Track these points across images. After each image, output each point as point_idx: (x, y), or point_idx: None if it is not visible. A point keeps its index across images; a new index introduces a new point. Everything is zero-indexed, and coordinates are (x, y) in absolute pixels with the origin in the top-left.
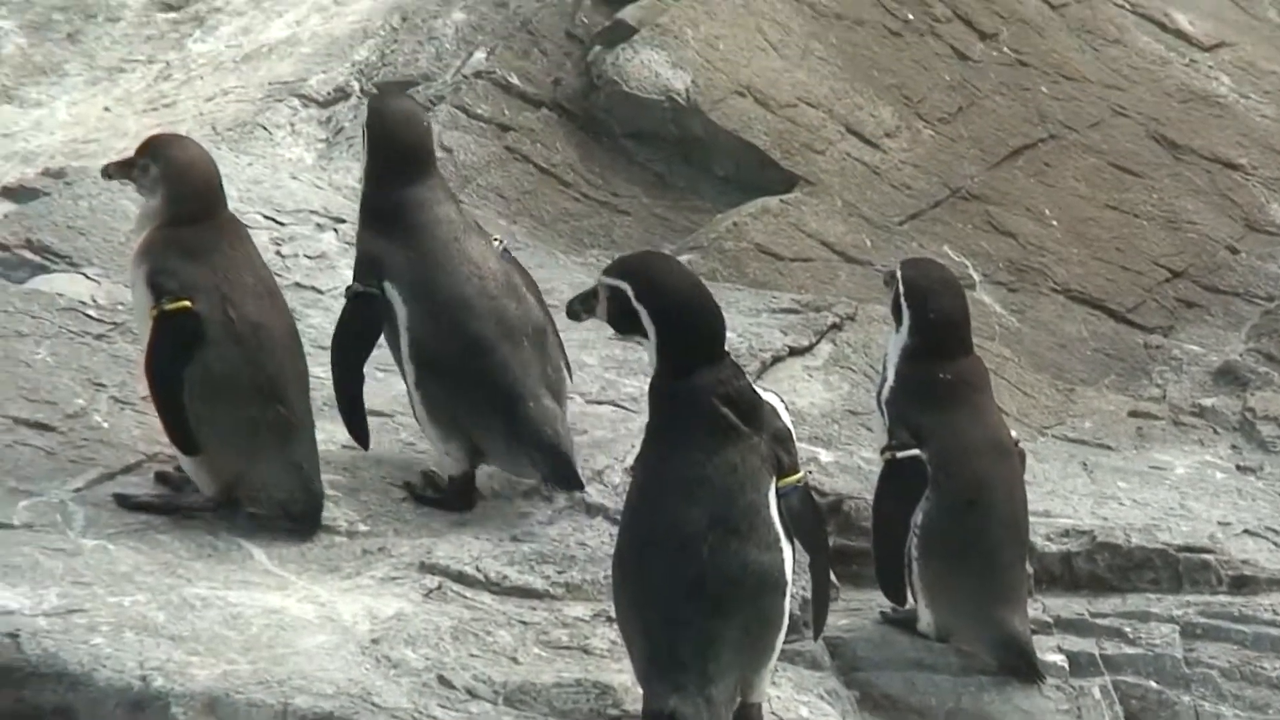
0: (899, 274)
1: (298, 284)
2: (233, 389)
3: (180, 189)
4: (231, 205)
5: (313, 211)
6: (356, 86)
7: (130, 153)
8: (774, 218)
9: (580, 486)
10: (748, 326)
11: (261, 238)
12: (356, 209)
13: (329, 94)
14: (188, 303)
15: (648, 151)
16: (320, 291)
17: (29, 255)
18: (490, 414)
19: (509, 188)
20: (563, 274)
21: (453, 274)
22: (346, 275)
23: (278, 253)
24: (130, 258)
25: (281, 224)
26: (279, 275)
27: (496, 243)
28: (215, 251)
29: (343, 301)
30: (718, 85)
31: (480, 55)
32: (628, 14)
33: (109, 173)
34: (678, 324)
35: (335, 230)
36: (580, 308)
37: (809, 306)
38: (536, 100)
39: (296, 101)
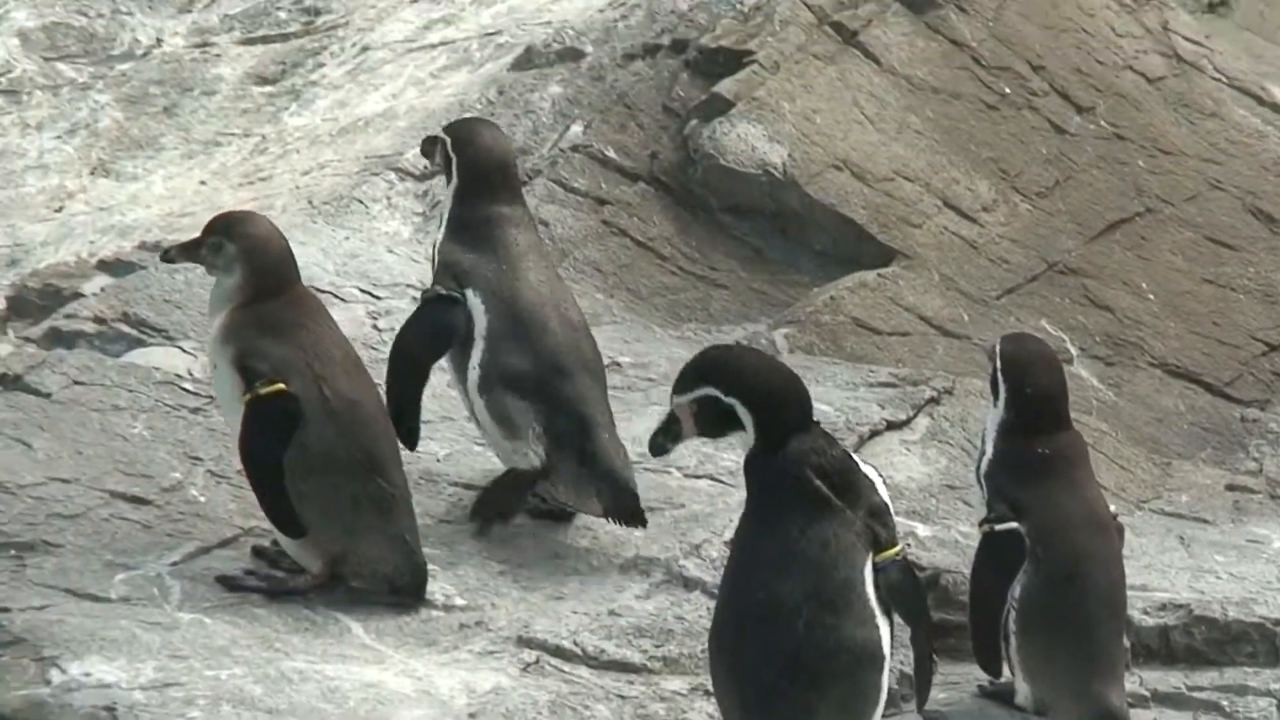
0: (997, 349)
1: None
2: (333, 466)
3: (260, 264)
4: (328, 279)
5: (409, 285)
6: None
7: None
8: (871, 292)
9: (644, 523)
10: (845, 400)
11: (358, 311)
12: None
13: (425, 168)
14: (282, 385)
15: (745, 225)
16: None
17: (125, 329)
18: (564, 438)
19: (606, 261)
20: (659, 348)
21: (539, 295)
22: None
23: (374, 326)
24: (210, 340)
25: (378, 297)
26: (375, 349)
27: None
28: (300, 328)
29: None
30: (814, 159)
31: (577, 129)
32: (724, 87)
33: (170, 257)
34: (772, 401)
35: None
36: (666, 439)
37: (906, 380)
38: (633, 174)
39: (393, 175)
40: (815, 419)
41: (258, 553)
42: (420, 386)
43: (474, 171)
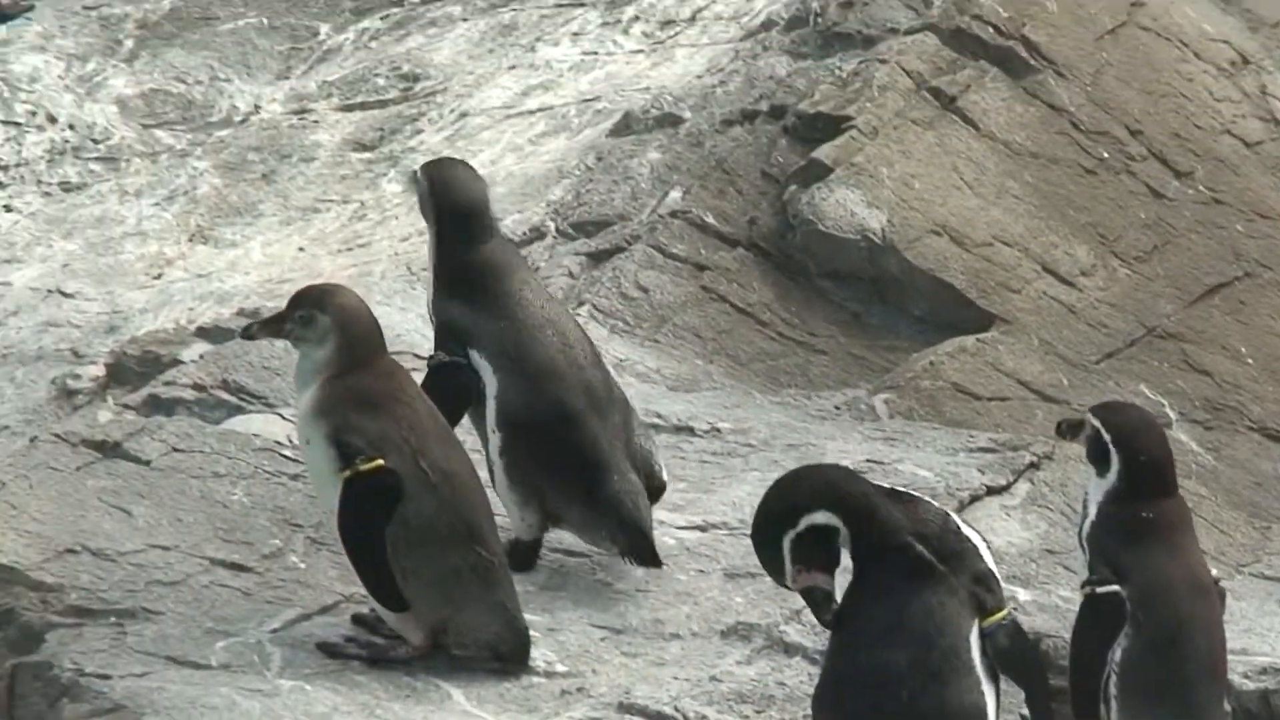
0: (1097, 419)
1: None
2: (434, 539)
3: (354, 335)
4: (427, 346)
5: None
6: (552, 226)
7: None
8: (970, 357)
9: (657, 563)
10: (945, 466)
11: None
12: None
13: (524, 234)
14: (381, 461)
15: (844, 290)
16: None
17: (225, 396)
18: (574, 484)
19: (705, 327)
20: (759, 413)
21: (543, 343)
22: None
23: None
24: (300, 415)
25: None
26: None
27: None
28: (394, 401)
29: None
30: (913, 224)
31: (676, 194)
32: (823, 153)
33: (252, 333)
34: (874, 516)
35: None
36: (821, 610)
37: (1006, 445)
38: (732, 239)
39: None
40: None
41: (358, 620)
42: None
43: (450, 216)
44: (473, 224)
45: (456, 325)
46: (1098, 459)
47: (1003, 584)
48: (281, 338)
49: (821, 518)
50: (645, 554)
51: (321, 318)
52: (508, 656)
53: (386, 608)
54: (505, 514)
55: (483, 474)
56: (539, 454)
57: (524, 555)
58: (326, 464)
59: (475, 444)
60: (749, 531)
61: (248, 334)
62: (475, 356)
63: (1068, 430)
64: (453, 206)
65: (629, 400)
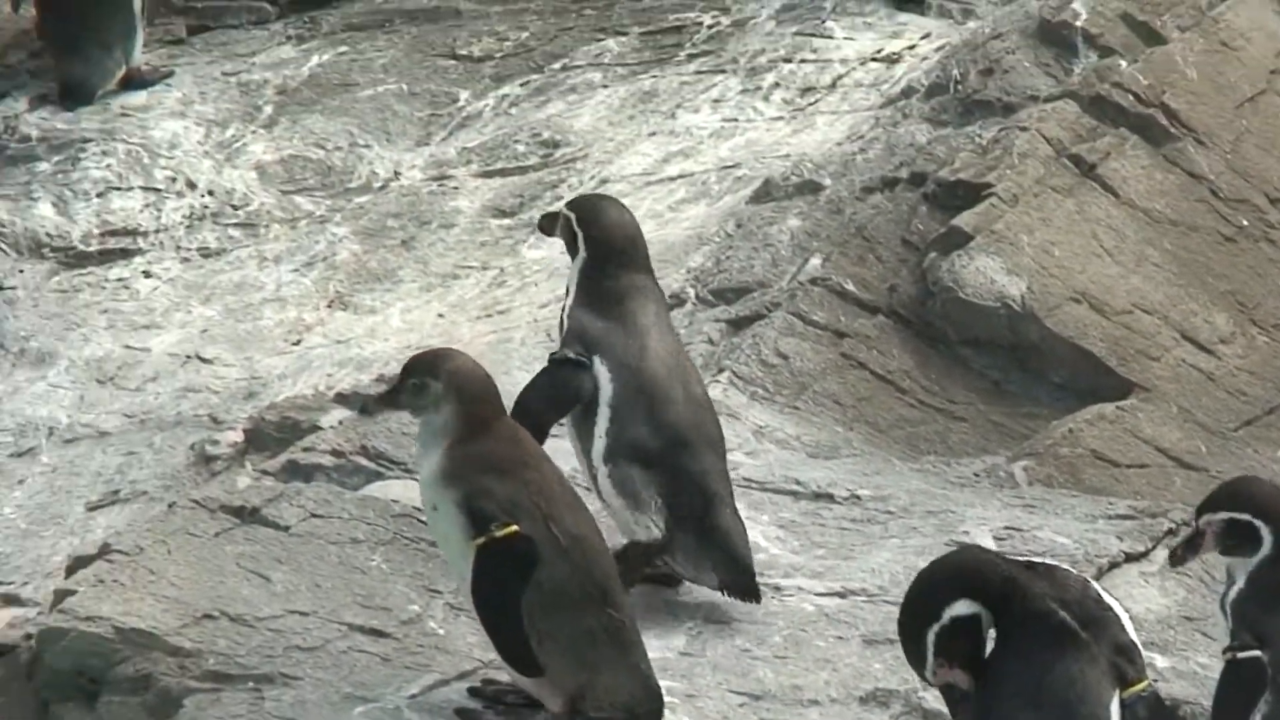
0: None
1: None
2: (567, 603)
3: (470, 397)
4: None
5: None
6: (692, 293)
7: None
8: (1109, 424)
9: (758, 599)
10: (1083, 533)
11: None
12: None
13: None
14: (515, 527)
15: (983, 358)
16: None
17: (363, 461)
18: (685, 512)
19: (845, 394)
20: (898, 480)
21: (665, 367)
22: None
23: None
24: (426, 482)
25: None
26: None
27: None
28: (522, 465)
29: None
30: (1053, 291)
31: (816, 262)
32: (963, 220)
33: (368, 410)
34: (1016, 592)
35: None
36: (1186, 552)
37: (1144, 513)
38: (872, 306)
39: None
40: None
41: (475, 693)
42: (540, 444)
43: (603, 244)
44: (623, 249)
45: (587, 331)
46: (1241, 530)
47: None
48: (398, 410)
49: (964, 607)
50: (748, 590)
51: (434, 384)
52: (644, 718)
53: (522, 673)
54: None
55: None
56: (650, 472)
57: (641, 559)
58: (457, 531)
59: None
60: (889, 599)
61: (365, 411)
62: (599, 363)
63: (1182, 553)
64: (603, 231)
65: None
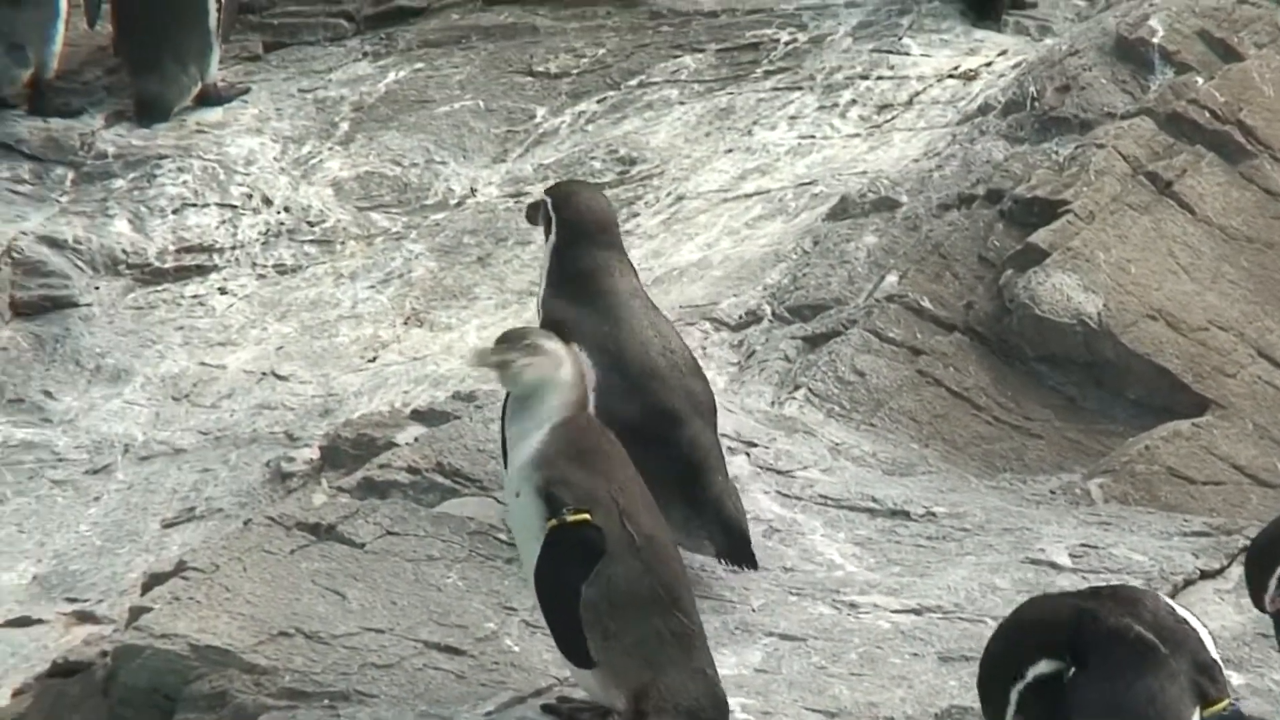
0: None
1: None
2: (638, 602)
3: (568, 384)
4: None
5: (724, 435)
6: (768, 310)
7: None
8: (1185, 441)
9: (754, 564)
10: (1159, 550)
11: None
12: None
13: (740, 317)
14: (588, 515)
15: (1059, 375)
16: None
17: (439, 479)
18: (676, 484)
19: (921, 411)
20: (974, 498)
21: (646, 344)
22: (761, 500)
23: None
24: (517, 464)
25: None
26: None
27: None
28: (607, 459)
29: None
30: (1129, 309)
31: (892, 279)
32: (1040, 237)
33: (482, 359)
34: (1094, 625)
35: (747, 454)
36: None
37: (1220, 530)
38: (949, 324)
39: (708, 325)
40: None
41: (548, 710)
42: None
43: (574, 225)
44: (591, 232)
45: (561, 319)
46: None
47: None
48: (502, 369)
49: (1046, 666)
50: (744, 555)
51: (554, 346)
52: None
53: (574, 663)
54: None
55: None
56: (638, 452)
57: None
58: (535, 517)
59: None
60: (964, 616)
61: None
62: (577, 351)
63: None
64: (573, 214)
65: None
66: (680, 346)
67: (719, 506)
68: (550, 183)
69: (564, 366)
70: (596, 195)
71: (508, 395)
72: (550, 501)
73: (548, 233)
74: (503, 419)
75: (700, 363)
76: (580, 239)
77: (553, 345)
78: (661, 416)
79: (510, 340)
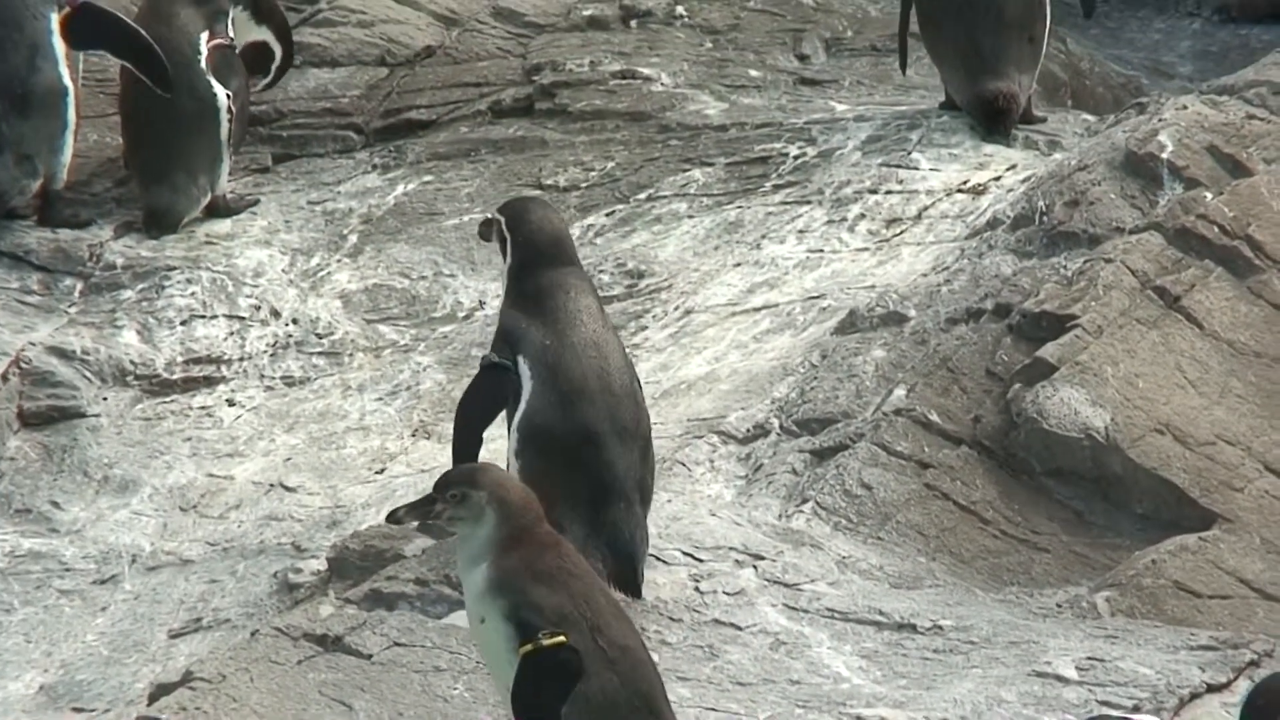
0: None
1: (716, 620)
2: (615, 715)
3: (513, 507)
4: (651, 542)
5: (731, 548)
6: (776, 424)
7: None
8: (1192, 555)
9: (637, 594)
10: (1166, 663)
11: (680, 574)
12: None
13: (748, 431)
14: (563, 637)
15: (1067, 489)
16: (739, 628)
17: (446, 590)
18: (582, 503)
19: (929, 525)
20: (981, 611)
21: (582, 362)
22: (768, 613)
23: (696, 589)
24: (473, 595)
25: (700, 560)
26: (697, 612)
27: None
28: (566, 574)
29: None
30: (1137, 423)
31: (900, 393)
32: (1048, 352)
33: (398, 518)
34: None
35: (755, 567)
36: None
37: (1227, 644)
38: (956, 438)
39: (715, 438)
40: None
41: None
42: (475, 449)
43: (529, 245)
44: (547, 248)
45: (511, 331)
46: None
47: None
48: (431, 520)
49: None
50: (628, 583)
51: (476, 494)
52: None
53: None
54: None
55: None
56: (554, 466)
57: None
58: (504, 641)
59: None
60: None
61: (393, 518)
62: (521, 362)
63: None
64: (526, 232)
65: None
66: (620, 368)
67: (614, 532)
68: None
69: (493, 505)
70: (549, 212)
71: None
72: (522, 626)
73: (503, 251)
74: None
75: (708, 476)
76: (534, 256)
77: (480, 491)
78: (580, 436)
79: (443, 485)
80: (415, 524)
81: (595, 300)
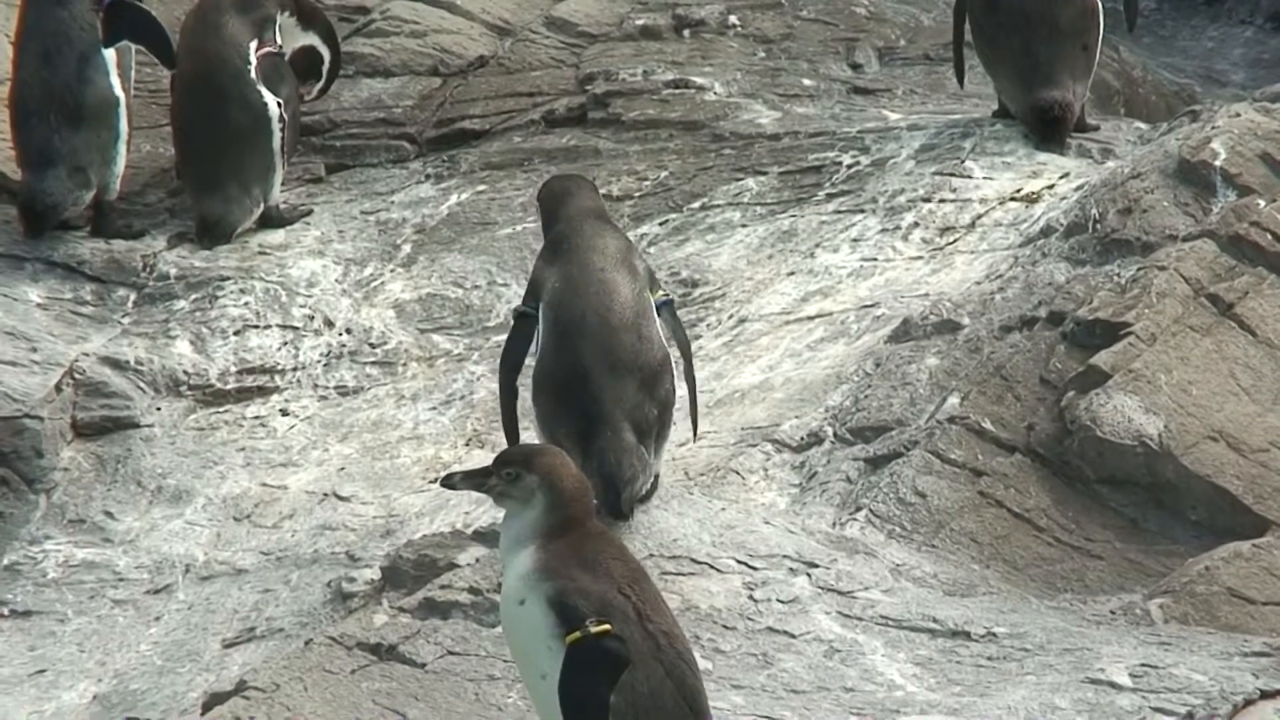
0: None
1: (770, 628)
2: (661, 707)
3: (561, 494)
4: (704, 550)
5: (785, 556)
6: (830, 432)
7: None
8: (1246, 562)
9: (619, 516)
10: (1219, 670)
11: (734, 582)
12: (829, 551)
13: (802, 439)
14: (609, 625)
15: (1120, 496)
16: (793, 636)
17: (499, 599)
18: (576, 436)
19: (982, 532)
20: (1035, 618)
21: (584, 300)
22: (822, 621)
23: (750, 597)
24: (516, 575)
25: (754, 569)
26: (750, 620)
27: (661, 294)
28: (610, 560)
29: None
30: (1190, 430)
31: (954, 400)
32: (1101, 359)
33: (454, 483)
34: None
35: (808, 575)
36: None
37: None
38: (1010, 445)
39: (769, 446)
40: None
41: None
42: (512, 397)
43: (546, 201)
44: (563, 201)
45: (535, 279)
46: None
47: None
48: (483, 492)
49: None
50: (614, 507)
51: (529, 477)
52: None
53: None
54: None
55: None
56: (554, 402)
57: None
58: (544, 627)
59: None
60: None
61: (448, 482)
62: (542, 308)
63: None
64: (547, 192)
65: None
66: (624, 303)
67: (601, 459)
68: None
69: (544, 490)
70: (569, 175)
71: None
72: (566, 613)
73: (546, 218)
74: None
75: (762, 484)
76: (554, 211)
77: (533, 475)
78: (569, 371)
79: (500, 462)
80: (467, 490)
81: (613, 241)
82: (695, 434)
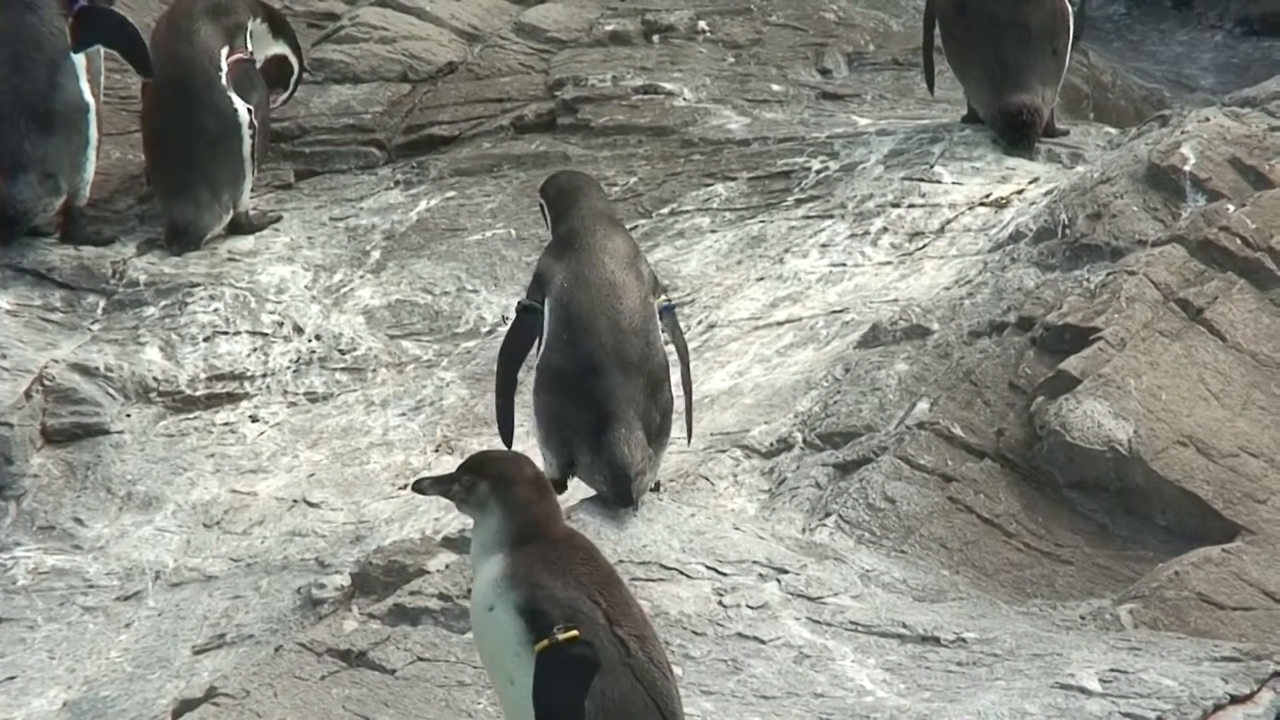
0: None
1: (739, 634)
2: (629, 714)
3: (517, 503)
4: (674, 556)
5: (755, 562)
6: (799, 437)
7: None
8: (1215, 567)
9: (628, 504)
10: (1189, 675)
11: (704, 588)
12: (798, 557)
13: (771, 445)
14: (576, 631)
15: (1090, 502)
16: (763, 641)
17: (469, 605)
18: (586, 430)
19: (952, 538)
20: (1004, 624)
21: (594, 299)
22: (791, 626)
23: (720, 603)
24: (484, 583)
25: (724, 574)
26: (720, 625)
27: (664, 299)
28: (580, 565)
29: None
30: (1160, 435)
31: (923, 406)
32: (1071, 365)
33: (423, 488)
34: None
35: (778, 580)
36: None
37: (1250, 655)
38: (979, 451)
39: (739, 452)
40: None
41: None
42: (511, 390)
43: (554, 199)
44: (572, 199)
45: (541, 275)
46: None
47: None
48: (448, 499)
49: None
50: (623, 495)
51: (481, 485)
52: None
53: None
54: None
55: None
56: (561, 397)
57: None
58: (513, 634)
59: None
60: None
61: (419, 487)
62: (548, 303)
63: None
64: (554, 189)
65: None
66: (632, 308)
67: (612, 451)
68: None
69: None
70: (576, 173)
71: None
72: (534, 620)
73: (545, 219)
74: None
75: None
76: (565, 209)
77: (484, 482)
78: (584, 368)
79: (461, 469)
80: (436, 496)
81: (624, 244)
82: (689, 438)
